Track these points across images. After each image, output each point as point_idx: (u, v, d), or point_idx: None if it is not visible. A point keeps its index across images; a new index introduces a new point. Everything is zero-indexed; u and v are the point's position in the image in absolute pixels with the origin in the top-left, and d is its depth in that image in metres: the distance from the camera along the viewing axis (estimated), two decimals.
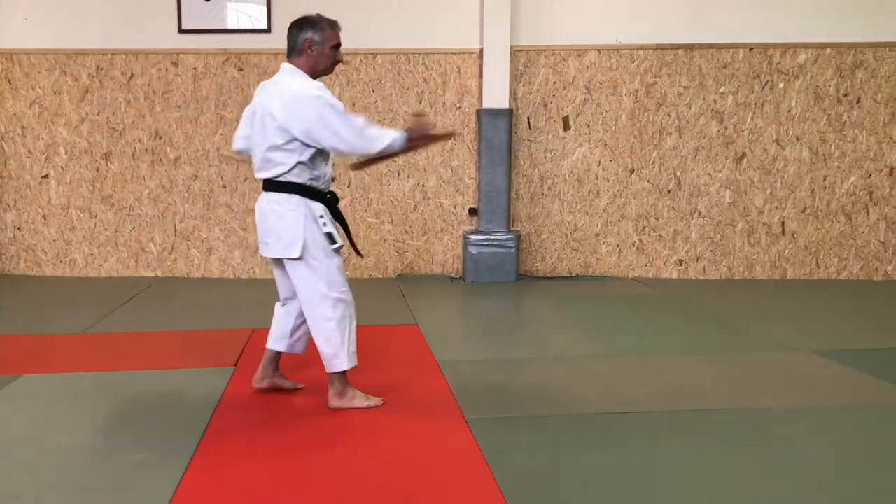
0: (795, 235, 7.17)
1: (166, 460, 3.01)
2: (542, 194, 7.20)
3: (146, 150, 7.13)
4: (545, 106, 7.12)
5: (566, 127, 7.15)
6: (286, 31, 3.53)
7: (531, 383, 4.01)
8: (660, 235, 7.20)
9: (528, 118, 7.12)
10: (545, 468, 2.96)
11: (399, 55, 7.07)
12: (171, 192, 7.18)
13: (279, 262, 3.62)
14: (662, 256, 7.23)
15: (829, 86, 7.05)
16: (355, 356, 3.56)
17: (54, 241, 7.24)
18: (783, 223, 7.17)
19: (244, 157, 3.72)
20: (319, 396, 3.75)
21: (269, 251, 3.53)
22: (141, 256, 7.23)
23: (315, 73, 3.50)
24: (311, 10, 7.16)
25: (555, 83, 7.09)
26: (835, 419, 3.50)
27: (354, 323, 3.56)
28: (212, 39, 7.04)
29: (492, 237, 6.99)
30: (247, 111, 3.67)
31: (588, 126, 7.13)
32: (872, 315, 5.84)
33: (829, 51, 7.02)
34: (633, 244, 7.23)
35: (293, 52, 3.50)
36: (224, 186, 7.16)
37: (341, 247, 3.50)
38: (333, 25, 3.53)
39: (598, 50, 7.04)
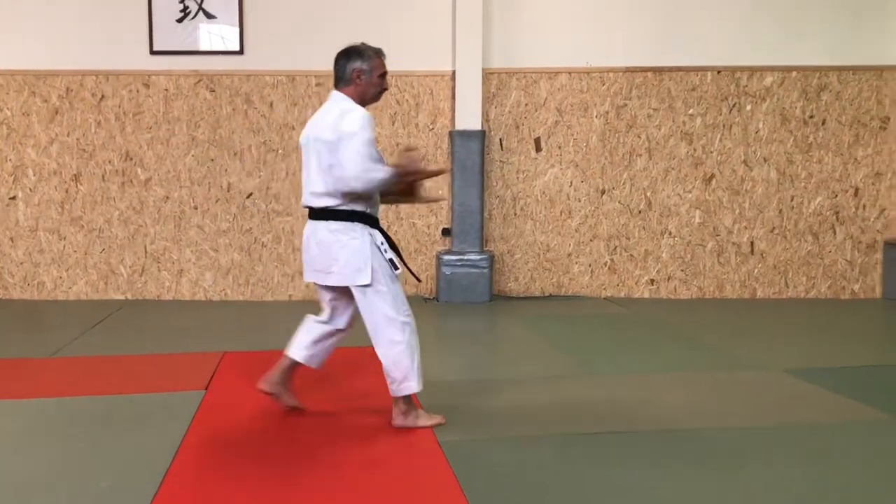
0: (764, 255, 7.27)
1: (134, 487, 2.97)
2: (515, 215, 7.24)
3: (116, 171, 7.07)
4: (517, 127, 7.18)
5: (538, 148, 7.21)
6: (333, 62, 3.61)
7: (504, 404, 4.01)
8: (631, 255, 7.26)
9: (500, 139, 7.17)
10: (518, 489, 2.96)
11: None
12: (141, 214, 7.12)
13: (330, 287, 3.66)
14: (634, 276, 7.28)
15: (795, 108, 7.18)
16: (422, 379, 3.59)
17: (22, 263, 7.13)
18: (752, 243, 7.26)
19: None
20: (294, 424, 3.72)
21: (332, 279, 3.55)
22: (111, 279, 7.15)
23: (363, 102, 3.59)
24: (282, 33, 7.24)
25: (526, 105, 7.16)
26: (804, 437, 3.54)
27: (419, 346, 3.60)
28: (184, 61, 7.02)
29: (465, 257, 7.00)
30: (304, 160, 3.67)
31: (559, 147, 7.20)
32: (839, 333, 5.93)
33: (794, 74, 7.15)
34: (605, 264, 7.28)
35: (341, 82, 3.59)
36: (195, 208, 7.11)
37: (400, 272, 3.58)
38: (379, 54, 3.62)
39: (569, 72, 7.12)
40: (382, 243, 3.53)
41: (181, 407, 3.93)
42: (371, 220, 3.55)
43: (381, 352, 3.56)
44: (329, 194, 3.49)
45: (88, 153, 7.06)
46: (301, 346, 3.79)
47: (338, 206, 3.50)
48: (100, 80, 7.01)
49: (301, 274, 7.13)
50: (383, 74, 3.62)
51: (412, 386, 3.57)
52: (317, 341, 3.79)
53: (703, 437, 3.54)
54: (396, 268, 3.54)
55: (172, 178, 7.10)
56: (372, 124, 3.45)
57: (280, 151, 7.09)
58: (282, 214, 7.13)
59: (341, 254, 3.50)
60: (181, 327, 6.04)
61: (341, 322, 3.78)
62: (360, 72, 3.55)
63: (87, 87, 7.01)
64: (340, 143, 3.37)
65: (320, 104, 6.99)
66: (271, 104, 7.07)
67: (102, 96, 7.01)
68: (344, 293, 3.65)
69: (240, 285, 7.17)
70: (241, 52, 7.03)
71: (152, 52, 7.01)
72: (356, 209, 3.50)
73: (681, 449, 3.40)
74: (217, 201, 7.10)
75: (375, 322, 3.54)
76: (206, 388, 4.28)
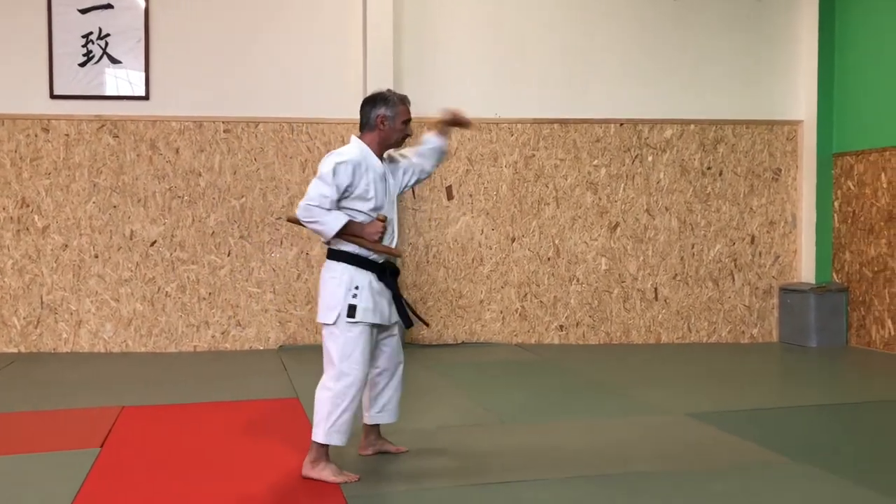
0: (668, 301, 7.49)
1: None
2: (428, 262, 7.26)
3: (11, 218, 6.77)
4: (429, 176, 7.22)
5: (449, 196, 7.28)
6: (359, 107, 3.73)
7: (413, 455, 3.96)
8: (541, 302, 7.37)
9: (412, 188, 7.20)
10: None
11: (282, 124, 7.06)
12: (37, 263, 6.82)
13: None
14: (544, 322, 7.38)
15: (694, 159, 7.49)
16: (340, 435, 3.53)
17: None
18: (656, 289, 7.48)
19: None
20: (193, 482, 3.58)
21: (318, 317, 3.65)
22: (2, 331, 6.78)
23: (386, 146, 3.72)
24: (190, 79, 7.15)
25: None
26: (705, 481, 3.61)
27: (355, 404, 3.57)
28: (86, 105, 6.83)
29: None
30: None
31: (471, 196, 7.29)
32: (739, 377, 6.13)
33: (692, 126, 7.48)
34: (516, 310, 7.36)
35: (366, 127, 3.70)
36: (96, 256, 6.86)
37: (357, 321, 3.53)
38: (404, 100, 3.73)
39: (479, 123, 7.25)
40: (357, 287, 3.54)
41: (72, 467, 3.72)
42: (361, 262, 3.57)
43: (318, 388, 3.59)
44: None
45: None
46: (364, 408, 3.83)
47: (330, 244, 3.62)
48: None
49: (206, 324, 6.99)
50: (407, 121, 3.73)
51: (318, 434, 3.52)
52: (372, 399, 3.83)
53: (608, 482, 3.58)
54: (352, 316, 3.52)
55: (72, 225, 6.84)
56: (344, 171, 3.51)
57: (186, 198, 6.94)
58: (187, 263, 6.95)
59: (321, 290, 3.62)
60: (78, 381, 5.77)
61: (379, 360, 3.78)
62: (384, 118, 3.66)
63: None
64: (310, 182, 3.56)
65: (229, 151, 6.98)
66: (177, 150, 6.94)
67: None
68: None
69: (142, 336, 6.92)
70: (146, 97, 6.90)
71: (53, 97, 6.80)
72: (342, 249, 3.58)
73: (587, 495, 3.42)
74: (119, 249, 6.87)
75: (324, 360, 3.58)
76: (102, 446, 4.07)
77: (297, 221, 3.65)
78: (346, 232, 3.54)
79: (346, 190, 3.54)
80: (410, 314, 3.78)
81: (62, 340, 6.85)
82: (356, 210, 3.58)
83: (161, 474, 3.67)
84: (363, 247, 3.58)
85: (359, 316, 3.53)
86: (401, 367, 3.89)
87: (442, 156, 4.06)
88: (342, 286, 3.54)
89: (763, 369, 6.54)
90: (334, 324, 3.53)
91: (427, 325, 4.30)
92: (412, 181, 3.97)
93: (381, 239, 3.59)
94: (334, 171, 3.50)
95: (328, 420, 3.50)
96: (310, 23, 7.12)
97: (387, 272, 3.67)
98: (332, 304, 3.54)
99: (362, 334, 3.56)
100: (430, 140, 3.97)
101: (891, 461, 3.93)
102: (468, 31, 7.28)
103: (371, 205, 3.60)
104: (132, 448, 4.07)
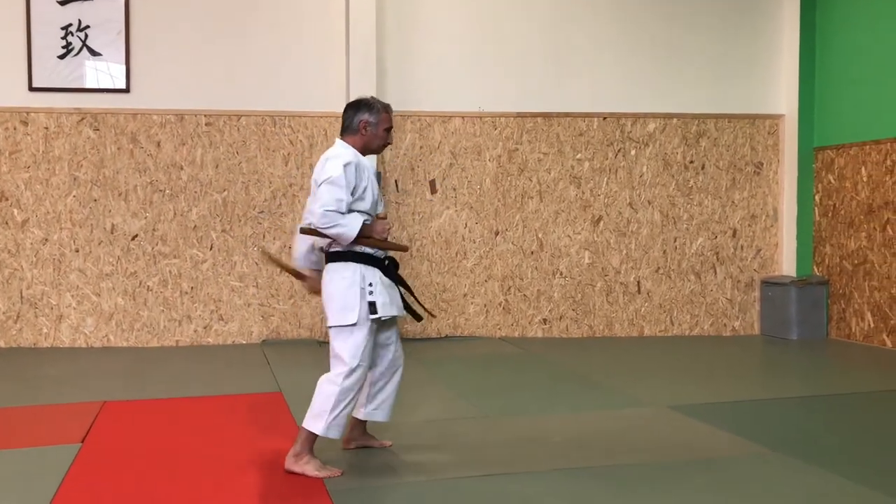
0: (650, 294, 7.52)
1: None
2: (411, 256, 7.25)
3: None
4: (412, 169, 7.23)
5: (433, 190, 7.27)
6: (342, 111, 3.78)
7: (397, 450, 3.96)
8: (524, 295, 7.38)
9: (395, 181, 7.20)
10: None
11: (264, 117, 7.02)
12: (17, 257, 6.75)
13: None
14: (527, 316, 7.39)
15: (677, 153, 7.52)
16: (339, 429, 3.55)
17: None
18: (639, 282, 7.51)
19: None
20: (175, 477, 3.56)
21: (328, 320, 3.61)
22: None
23: (366, 151, 3.73)
24: (171, 72, 7.10)
25: (421, 148, 7.23)
26: (688, 472, 3.64)
27: (355, 401, 3.60)
28: (66, 98, 6.76)
29: None
30: None
31: (454, 189, 7.28)
32: (720, 369, 6.18)
33: (675, 120, 7.51)
34: (500, 304, 7.37)
35: (347, 131, 3.73)
36: (77, 251, 6.80)
37: (379, 317, 3.56)
38: (388, 109, 3.76)
39: (463, 117, 7.24)
40: (371, 284, 3.55)
41: (53, 463, 3.69)
42: (368, 259, 3.58)
43: (322, 380, 3.57)
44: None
45: None
46: (360, 403, 3.81)
47: (332, 246, 3.61)
48: None
49: (189, 318, 6.95)
50: (389, 129, 3.76)
51: (318, 426, 3.52)
52: (369, 396, 3.82)
53: (592, 474, 3.59)
54: (374, 312, 3.54)
55: (52, 219, 6.77)
56: (351, 172, 3.53)
57: (167, 191, 6.89)
58: (168, 257, 6.90)
59: (332, 293, 3.58)
60: (58, 376, 5.72)
61: (383, 359, 3.79)
62: (367, 123, 3.68)
63: None
64: (320, 187, 3.53)
65: (211, 144, 6.93)
66: (158, 143, 6.88)
67: None
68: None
69: (123, 331, 6.87)
70: (127, 90, 6.83)
71: (31, 89, 6.73)
72: (345, 249, 3.58)
73: (570, 487, 3.43)
74: (100, 243, 6.81)
75: (332, 355, 3.58)
76: (83, 442, 4.04)
77: (312, 232, 3.62)
78: (361, 233, 3.56)
79: (353, 191, 3.56)
80: (419, 307, 3.84)
81: (42, 335, 6.79)
82: (357, 210, 3.59)
83: (143, 469, 3.64)
84: (374, 246, 3.61)
85: (380, 311, 3.56)
86: (402, 366, 3.89)
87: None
88: (355, 286, 3.55)
89: (745, 362, 6.59)
90: (355, 324, 3.52)
91: (433, 315, 4.29)
92: None
93: (387, 236, 3.67)
94: (345, 173, 3.52)
95: (330, 414, 3.51)
96: (292, 16, 7.07)
97: (390, 266, 3.70)
98: (350, 305, 3.53)
99: (370, 331, 3.58)
100: None
101: (870, 452, 3.98)
102: (452, 24, 7.26)
103: (368, 204, 3.63)
104: (114, 443, 4.05)
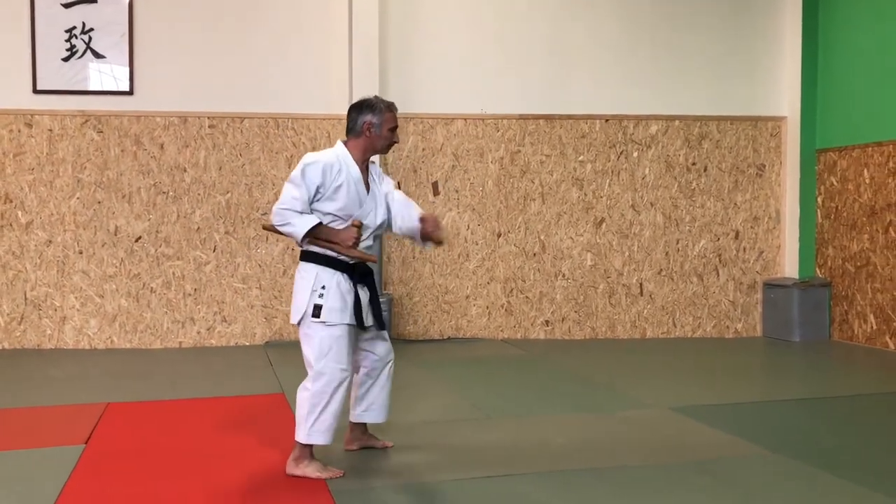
0: (653, 296, 7.52)
1: None
2: (414, 258, 7.26)
3: None
4: (415, 171, 7.25)
5: (435, 192, 7.28)
6: (346, 113, 3.73)
7: (399, 450, 3.97)
8: (527, 297, 7.39)
9: (398, 183, 7.21)
10: None
11: (267, 119, 7.04)
12: (21, 259, 6.77)
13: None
14: (530, 317, 7.40)
15: (679, 155, 7.53)
16: (322, 434, 3.52)
17: None
18: (641, 284, 7.51)
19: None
20: (178, 479, 3.57)
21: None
22: None
23: (372, 152, 3.71)
24: (175, 74, 7.12)
25: (423, 150, 7.24)
26: (689, 474, 3.64)
27: (336, 404, 3.53)
28: (70, 101, 6.79)
29: None
30: None
31: (457, 191, 7.30)
32: (723, 371, 6.18)
33: (677, 122, 7.52)
34: (502, 306, 7.38)
35: (351, 133, 3.69)
36: (80, 252, 6.82)
37: (324, 322, 3.51)
38: (391, 108, 3.71)
39: (465, 119, 7.26)
40: (323, 287, 3.52)
41: (56, 464, 3.71)
42: (329, 262, 3.55)
43: (298, 388, 3.59)
44: None
45: None
46: (351, 406, 3.82)
47: (302, 246, 3.61)
48: None
49: (192, 320, 6.96)
50: (393, 128, 3.71)
51: (301, 435, 3.52)
52: (357, 399, 3.83)
53: (594, 475, 3.60)
54: (317, 316, 3.50)
55: (56, 221, 6.80)
56: (315, 171, 3.51)
57: (171, 194, 6.91)
58: (172, 258, 6.92)
59: (293, 291, 3.64)
60: (62, 377, 5.74)
61: (365, 361, 3.80)
62: (370, 124, 3.65)
63: None
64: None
65: (214, 146, 6.95)
66: (162, 146, 6.90)
67: None
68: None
69: (127, 332, 6.89)
70: (130, 92, 6.86)
71: (36, 91, 6.75)
72: (310, 249, 3.58)
73: (573, 489, 3.44)
74: (103, 245, 6.84)
75: (304, 361, 3.58)
76: (86, 443, 4.06)
77: (272, 229, 3.63)
78: (320, 236, 3.52)
79: (317, 191, 3.54)
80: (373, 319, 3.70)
81: (46, 337, 6.81)
82: (323, 212, 3.55)
83: (146, 470, 3.66)
84: (333, 250, 3.56)
85: (323, 316, 3.51)
86: (388, 367, 3.85)
87: (408, 237, 3.81)
88: (308, 287, 3.54)
89: (747, 364, 6.59)
90: (299, 324, 3.56)
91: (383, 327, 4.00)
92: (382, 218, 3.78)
93: (355, 244, 3.54)
94: (303, 173, 3.52)
95: (307, 421, 3.50)
96: (295, 18, 7.09)
97: (356, 272, 3.60)
98: (298, 305, 3.56)
99: (337, 333, 3.53)
100: (415, 219, 3.67)
101: (872, 454, 3.98)
102: (454, 27, 7.28)
103: (338, 205, 3.55)
104: (117, 444, 4.06)
